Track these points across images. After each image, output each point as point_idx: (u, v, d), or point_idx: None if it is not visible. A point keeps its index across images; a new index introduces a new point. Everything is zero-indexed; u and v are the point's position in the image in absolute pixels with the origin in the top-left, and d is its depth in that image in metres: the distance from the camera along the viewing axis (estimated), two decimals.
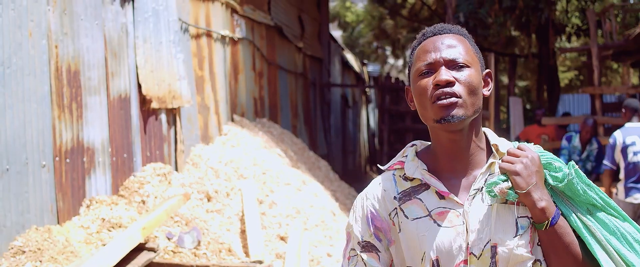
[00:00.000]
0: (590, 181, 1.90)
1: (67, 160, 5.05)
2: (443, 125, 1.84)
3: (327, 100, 15.23)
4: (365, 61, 27.85)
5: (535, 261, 1.86)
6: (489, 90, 1.97)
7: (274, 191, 7.42)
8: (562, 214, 1.88)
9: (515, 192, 1.82)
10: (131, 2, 6.09)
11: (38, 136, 4.73)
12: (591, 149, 9.12)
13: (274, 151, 8.69)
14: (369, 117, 25.13)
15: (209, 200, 6.55)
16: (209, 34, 8.05)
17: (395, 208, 1.92)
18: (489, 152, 1.96)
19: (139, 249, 4.36)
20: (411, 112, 17.38)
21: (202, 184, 6.66)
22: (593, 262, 1.86)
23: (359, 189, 13.44)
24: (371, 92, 25.09)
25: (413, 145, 2.03)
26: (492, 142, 1.96)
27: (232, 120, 8.80)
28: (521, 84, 27.78)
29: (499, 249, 1.83)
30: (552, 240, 1.85)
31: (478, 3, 15.31)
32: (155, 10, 6.43)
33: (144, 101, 6.21)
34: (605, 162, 7.42)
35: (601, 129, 11.95)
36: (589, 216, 1.90)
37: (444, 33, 1.93)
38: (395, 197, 1.94)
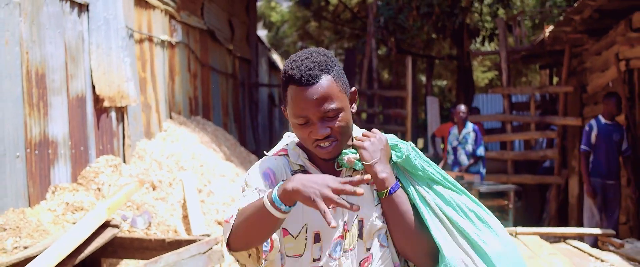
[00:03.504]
0: (429, 160, 2.25)
1: (36, 152, 5.80)
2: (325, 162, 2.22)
3: (255, 100, 16.05)
4: None
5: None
6: (355, 106, 2.25)
7: (211, 182, 8.24)
8: (403, 188, 2.22)
9: (362, 164, 2.17)
10: (86, 12, 6.84)
11: (13, 131, 5.47)
12: (467, 132, 10.11)
13: (209, 146, 9.52)
14: None
15: (154, 189, 7.33)
16: (150, 39, 8.82)
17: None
18: None
19: (105, 225, 5.15)
20: None
21: (148, 175, 7.44)
22: (426, 229, 2.19)
23: None
24: None
25: (289, 135, 2.36)
26: (355, 135, 2.29)
27: (171, 117, 9.58)
28: (439, 84, 28.98)
29: (365, 222, 2.19)
30: (391, 207, 2.16)
31: (397, 9, 16.25)
32: (106, 18, 7.19)
33: (97, 100, 6.97)
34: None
35: (509, 127, 13.11)
36: (428, 189, 2.22)
37: (313, 83, 2.09)
38: (289, 172, 2.24)
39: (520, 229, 5.20)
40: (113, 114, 7.40)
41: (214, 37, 12.20)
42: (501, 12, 17.53)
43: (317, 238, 2.16)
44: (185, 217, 7.25)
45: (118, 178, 6.82)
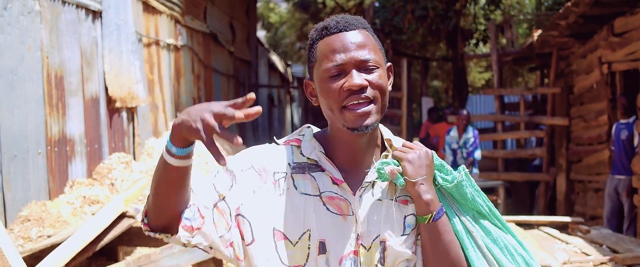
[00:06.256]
0: (480, 189, 1.93)
1: (56, 149, 6.28)
2: (355, 134, 1.82)
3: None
4: (289, 62, 29.14)
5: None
6: (390, 85, 1.90)
7: None
8: (447, 215, 1.86)
9: (404, 179, 1.82)
10: (100, 19, 7.31)
11: (35, 130, 5.95)
12: (467, 137, 10.57)
13: None
14: (293, 115, 26.46)
15: None
16: (157, 43, 9.29)
17: (286, 173, 1.87)
18: (384, 147, 1.96)
19: (122, 216, 5.62)
20: None
21: None
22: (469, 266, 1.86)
23: None
24: (295, 91, 26.49)
25: (309, 127, 1.99)
26: (385, 137, 1.96)
27: (176, 117, 10.04)
28: (436, 84, 29.42)
29: (388, 245, 1.83)
30: (433, 236, 1.82)
31: (393, 11, 16.70)
32: (118, 24, 7.66)
33: (109, 101, 7.45)
34: None
35: (500, 126, 13.58)
36: (474, 222, 1.90)
37: (350, 29, 1.84)
38: (289, 164, 1.89)
39: None
40: (124, 114, 7.88)
41: (216, 39, 12.67)
42: (494, 15, 17.94)
43: (322, 248, 1.83)
44: None
45: (129, 174, 7.29)
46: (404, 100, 15.09)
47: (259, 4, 29.37)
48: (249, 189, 1.85)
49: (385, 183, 1.87)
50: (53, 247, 5.01)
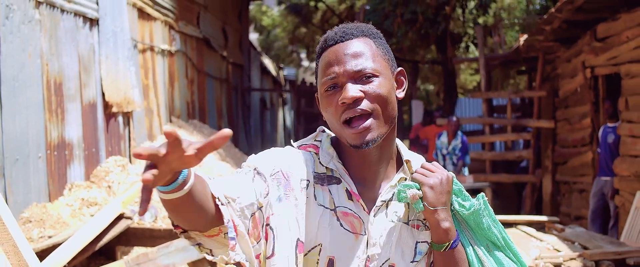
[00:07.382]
0: (497, 220, 1.87)
1: (55, 153, 6.51)
2: (358, 151, 1.77)
3: (247, 104, 16.72)
4: (282, 65, 29.33)
5: None
6: (403, 92, 1.84)
7: None
8: (461, 244, 1.82)
9: (423, 205, 1.75)
10: (97, 26, 7.53)
11: (36, 134, 6.17)
12: (456, 144, 10.84)
13: None
14: (285, 118, 26.66)
15: None
16: (152, 49, 9.51)
17: (309, 181, 1.78)
18: (399, 165, 1.88)
19: (119, 217, 5.84)
20: None
21: None
22: None
23: None
24: (287, 94, 26.71)
25: (324, 131, 1.91)
26: (404, 157, 1.86)
27: (170, 121, 10.28)
28: (426, 87, 29.67)
29: None
30: (449, 264, 1.77)
31: (383, 15, 16.95)
32: (114, 31, 7.88)
33: (106, 106, 7.67)
34: None
35: (487, 129, 13.83)
36: (486, 252, 1.84)
37: (347, 39, 1.77)
38: (312, 172, 1.80)
39: None
40: (120, 119, 8.11)
41: (209, 44, 12.88)
42: (482, 19, 18.20)
43: (331, 266, 1.75)
44: None
45: (126, 177, 7.51)
46: None
47: (251, 7, 29.55)
48: (276, 196, 1.73)
49: (400, 204, 1.81)
50: (54, 247, 5.23)
